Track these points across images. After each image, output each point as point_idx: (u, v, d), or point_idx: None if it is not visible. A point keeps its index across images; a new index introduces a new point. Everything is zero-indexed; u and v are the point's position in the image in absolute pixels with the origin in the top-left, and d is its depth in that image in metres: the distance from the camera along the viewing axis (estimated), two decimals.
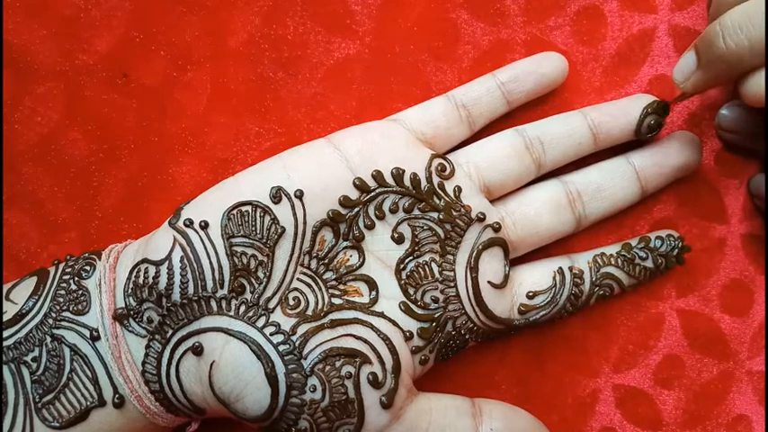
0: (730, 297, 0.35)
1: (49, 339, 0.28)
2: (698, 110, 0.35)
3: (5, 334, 0.28)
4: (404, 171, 0.30)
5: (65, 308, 0.28)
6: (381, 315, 0.29)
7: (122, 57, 0.34)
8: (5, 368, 0.27)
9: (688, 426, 0.35)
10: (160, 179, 0.34)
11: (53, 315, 0.28)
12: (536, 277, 0.32)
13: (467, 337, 0.31)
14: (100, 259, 0.29)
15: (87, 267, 0.29)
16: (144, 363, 0.28)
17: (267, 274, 0.28)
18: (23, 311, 0.28)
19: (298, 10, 0.34)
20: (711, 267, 0.35)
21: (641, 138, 0.33)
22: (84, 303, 0.28)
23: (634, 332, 0.35)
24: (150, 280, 0.28)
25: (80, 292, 0.28)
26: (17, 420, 0.27)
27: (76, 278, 0.29)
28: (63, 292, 0.28)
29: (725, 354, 0.35)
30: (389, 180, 0.30)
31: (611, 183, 0.33)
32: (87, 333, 0.28)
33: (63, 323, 0.28)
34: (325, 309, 0.29)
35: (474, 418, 0.29)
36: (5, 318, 0.28)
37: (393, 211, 0.30)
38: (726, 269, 0.35)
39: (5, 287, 0.29)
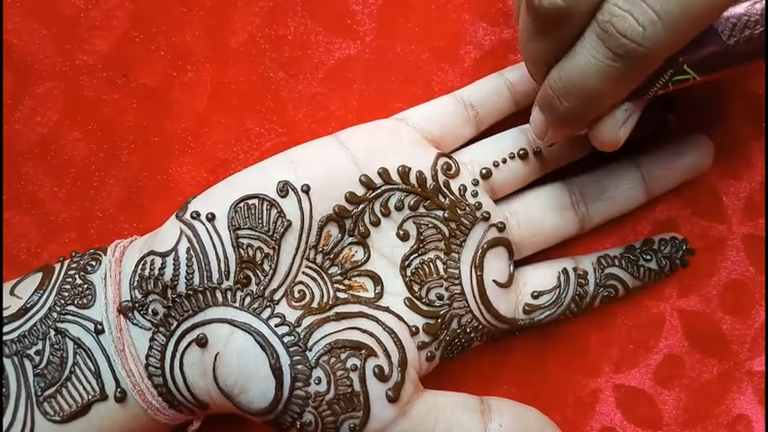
0: (731, 297, 0.35)
1: (52, 333, 0.28)
2: (698, 108, 0.35)
3: (9, 327, 0.28)
4: (410, 169, 0.30)
5: (69, 302, 0.28)
6: (387, 310, 0.29)
7: (122, 57, 0.34)
8: (8, 361, 0.27)
9: (688, 426, 0.35)
10: (160, 179, 0.34)
11: (57, 309, 0.28)
12: (541, 278, 0.32)
13: (472, 335, 0.31)
14: (105, 254, 0.29)
15: (93, 262, 0.29)
16: (148, 356, 0.28)
17: (273, 266, 0.28)
18: (28, 305, 0.28)
19: (298, 10, 0.34)
20: (712, 267, 0.35)
21: (646, 134, 0.33)
22: (89, 297, 0.28)
23: (635, 332, 0.35)
24: (156, 271, 0.28)
25: (85, 286, 0.28)
26: (18, 414, 0.27)
27: (82, 273, 0.29)
28: (68, 286, 0.28)
29: (725, 354, 0.35)
30: (395, 178, 0.30)
31: (617, 185, 0.33)
32: (91, 326, 0.28)
33: (67, 317, 0.28)
34: (330, 302, 0.29)
35: (482, 414, 0.29)
36: (9, 312, 0.28)
37: (398, 208, 0.30)
38: (726, 269, 0.35)
39: (10, 283, 0.29)
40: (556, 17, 0.24)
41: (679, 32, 0.23)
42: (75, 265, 0.29)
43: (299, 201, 0.29)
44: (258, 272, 0.28)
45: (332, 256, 0.30)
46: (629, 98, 0.27)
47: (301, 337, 0.28)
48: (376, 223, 0.30)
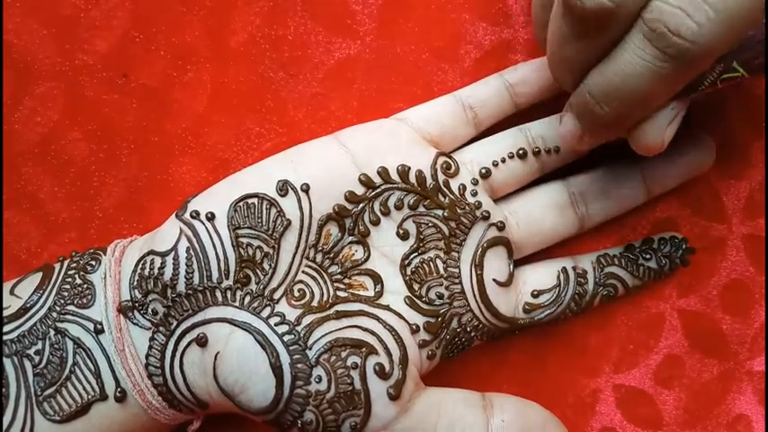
0: (731, 297, 0.35)
1: (52, 333, 0.28)
2: (699, 107, 0.35)
3: (9, 327, 0.28)
4: (409, 168, 0.30)
5: (69, 301, 0.28)
6: (387, 308, 0.29)
7: (122, 57, 0.34)
8: (8, 361, 0.27)
9: (688, 426, 0.35)
10: (160, 179, 0.34)
11: (57, 308, 0.28)
12: (540, 277, 0.32)
13: (472, 334, 0.31)
14: (105, 254, 0.29)
15: (93, 262, 0.29)
16: (148, 355, 0.28)
17: (272, 265, 0.28)
18: (28, 305, 0.28)
19: (298, 10, 0.34)
20: (712, 267, 0.35)
21: None
22: (89, 297, 0.28)
23: (635, 332, 0.35)
24: (156, 271, 0.28)
25: (85, 285, 0.28)
26: (18, 414, 0.27)
27: (82, 273, 0.29)
28: (68, 286, 0.28)
29: (725, 354, 0.35)
30: (395, 177, 0.30)
31: (617, 185, 0.33)
32: (91, 326, 0.28)
33: (67, 316, 0.28)
34: (330, 301, 0.29)
35: (485, 410, 0.29)
36: (9, 312, 0.28)
37: (398, 207, 0.30)
38: (726, 269, 0.35)
39: (10, 283, 0.29)
40: (600, 18, 0.23)
41: (735, 28, 0.22)
42: (74, 265, 0.29)
43: (299, 200, 0.29)
44: (258, 271, 0.28)
45: (332, 254, 0.30)
46: (676, 97, 0.25)
47: (301, 335, 0.28)
48: (376, 222, 0.30)
